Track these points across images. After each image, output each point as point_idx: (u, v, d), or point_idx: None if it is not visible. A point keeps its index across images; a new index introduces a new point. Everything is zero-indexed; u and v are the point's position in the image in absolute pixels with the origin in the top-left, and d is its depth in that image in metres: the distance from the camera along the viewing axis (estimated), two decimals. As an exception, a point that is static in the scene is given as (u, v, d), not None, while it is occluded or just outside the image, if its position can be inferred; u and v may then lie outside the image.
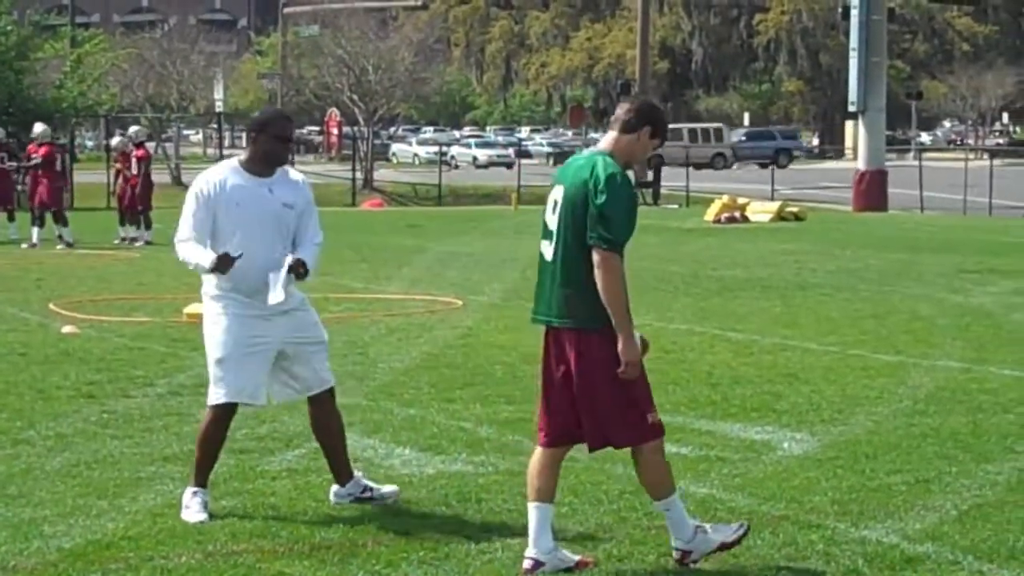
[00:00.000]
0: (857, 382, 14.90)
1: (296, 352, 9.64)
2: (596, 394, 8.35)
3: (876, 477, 10.54)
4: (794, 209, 47.85)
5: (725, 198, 48.52)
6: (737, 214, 45.94)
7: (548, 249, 8.58)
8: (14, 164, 35.81)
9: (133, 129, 38.22)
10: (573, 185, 8.41)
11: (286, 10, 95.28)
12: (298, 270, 9.39)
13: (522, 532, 9.03)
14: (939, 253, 31.30)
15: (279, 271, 9.33)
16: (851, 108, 58.05)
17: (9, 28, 53.60)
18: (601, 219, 8.28)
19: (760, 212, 46.69)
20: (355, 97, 68.12)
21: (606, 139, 8.66)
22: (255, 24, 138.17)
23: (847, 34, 58.77)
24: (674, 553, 8.46)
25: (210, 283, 9.59)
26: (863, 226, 44.21)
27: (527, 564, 8.32)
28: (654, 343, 17.31)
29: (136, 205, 34.13)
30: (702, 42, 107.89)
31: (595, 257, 8.31)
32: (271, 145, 9.63)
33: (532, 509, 8.43)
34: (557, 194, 8.52)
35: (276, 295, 9.31)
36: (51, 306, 20.82)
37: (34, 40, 56.43)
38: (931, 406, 13.53)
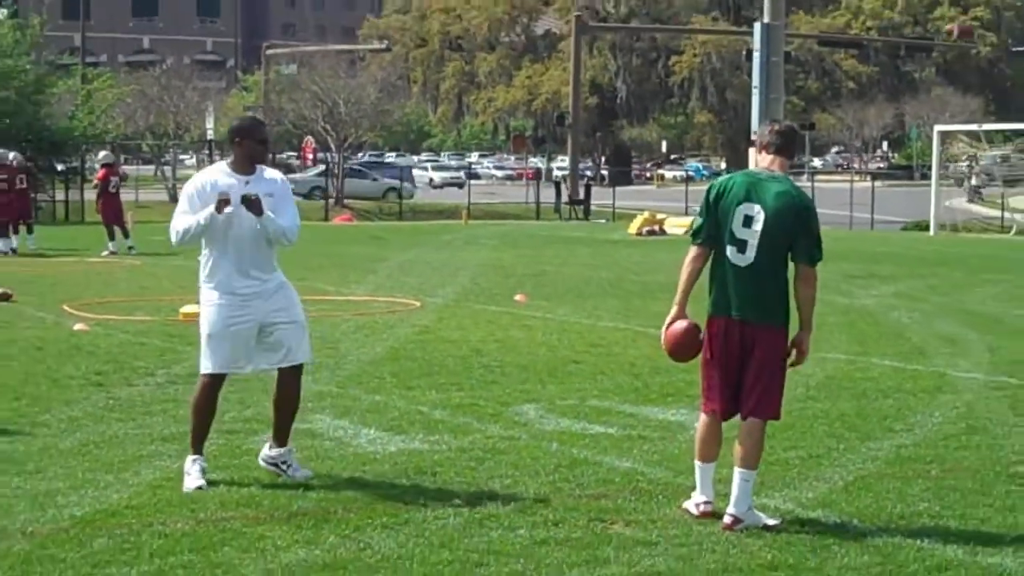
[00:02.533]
0: (758, 371, 14.95)
1: (273, 329, 9.67)
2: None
3: (775, 453, 10.56)
4: (705, 223, 47.91)
5: (646, 214, 48.71)
6: (656, 227, 46.14)
7: (740, 258, 8.65)
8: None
9: (102, 153, 38.06)
10: (776, 208, 8.54)
11: (268, 52, 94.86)
12: (249, 197, 9.45)
13: (471, 501, 9.04)
14: (828, 261, 31.37)
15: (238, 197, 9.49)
16: (753, 137, 58.21)
17: (28, 67, 53.37)
18: (817, 243, 8.66)
19: (676, 226, 46.80)
20: (328, 127, 68.01)
21: (775, 162, 8.84)
22: (241, 64, 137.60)
23: (750, 74, 58.79)
24: (726, 518, 8.49)
25: (206, 269, 9.66)
26: (764, 238, 44.32)
27: (727, 520, 8.48)
28: (585, 340, 17.45)
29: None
30: (626, 80, 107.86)
31: (804, 271, 8.65)
32: (253, 148, 9.75)
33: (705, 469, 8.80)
34: (751, 211, 8.60)
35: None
36: (64, 307, 20.74)
37: (50, 77, 56.14)
38: (821, 392, 13.60)
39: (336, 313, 20.44)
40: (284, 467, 9.79)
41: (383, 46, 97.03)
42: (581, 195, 64.06)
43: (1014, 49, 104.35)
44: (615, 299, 23.13)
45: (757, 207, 8.57)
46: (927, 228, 49.71)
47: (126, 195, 41.28)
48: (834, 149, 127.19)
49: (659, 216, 47.98)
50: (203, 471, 9.50)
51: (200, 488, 9.30)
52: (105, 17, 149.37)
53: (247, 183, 9.64)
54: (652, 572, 7.57)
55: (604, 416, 12.25)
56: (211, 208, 9.48)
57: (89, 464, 10.11)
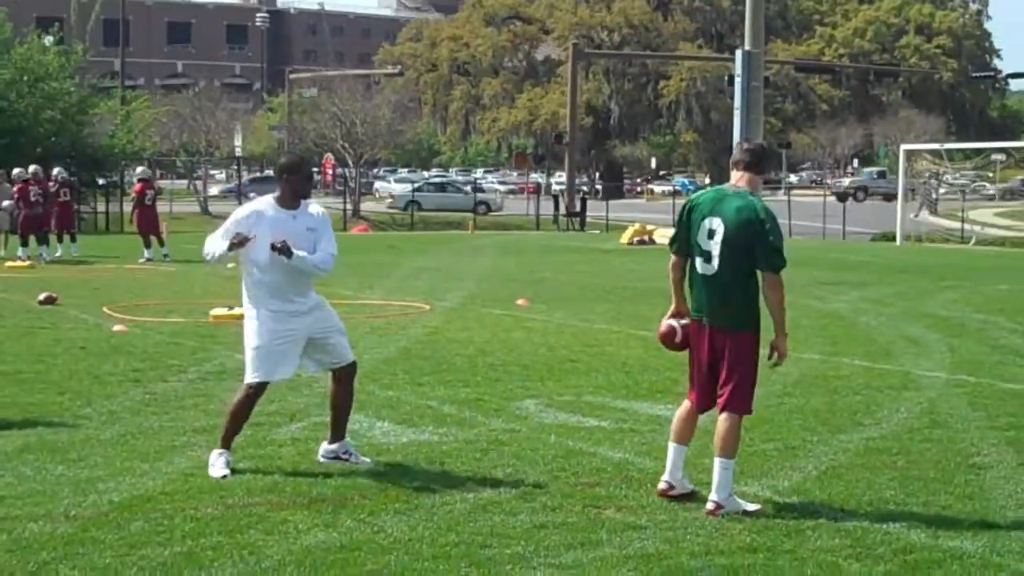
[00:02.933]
0: (739, 370, 14.94)
1: (321, 340, 9.70)
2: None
3: (754, 444, 10.57)
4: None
5: (637, 225, 48.70)
6: (646, 238, 46.10)
7: (707, 267, 8.69)
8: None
9: (139, 169, 37.99)
10: (736, 221, 8.56)
11: (291, 76, 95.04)
12: (275, 246, 9.37)
13: (476, 488, 9.04)
14: (803, 268, 31.43)
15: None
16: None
17: (72, 89, 53.39)
18: (775, 252, 8.53)
19: (664, 236, 46.71)
20: (345, 145, 68.06)
21: (743, 178, 8.89)
22: (267, 87, 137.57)
23: (732, 97, 58.84)
24: (708, 504, 8.51)
25: (250, 289, 9.64)
26: (744, 247, 44.31)
27: (710, 506, 8.50)
28: (580, 341, 17.44)
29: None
30: (619, 102, 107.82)
31: (769, 278, 8.58)
32: (299, 184, 9.70)
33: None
34: (713, 224, 8.64)
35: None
36: (104, 309, 20.74)
37: (92, 99, 56.14)
38: (797, 389, 13.59)
39: (353, 316, 20.43)
40: (346, 456, 9.81)
41: (397, 71, 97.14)
42: (577, 208, 64.05)
43: (973, 75, 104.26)
44: (608, 304, 23.12)
45: (718, 220, 8.63)
46: (894, 239, 49.68)
47: (161, 207, 41.27)
48: (808, 166, 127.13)
49: (649, 227, 47.95)
50: (227, 463, 9.49)
51: (224, 477, 9.29)
52: (143, 44, 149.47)
53: (293, 217, 9.60)
54: (642, 554, 7.57)
55: (598, 411, 12.25)
56: (227, 244, 9.44)
57: (127, 453, 10.11)
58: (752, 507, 8.54)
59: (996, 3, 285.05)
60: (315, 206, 9.98)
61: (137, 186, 35.15)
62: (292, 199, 9.68)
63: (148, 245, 33.76)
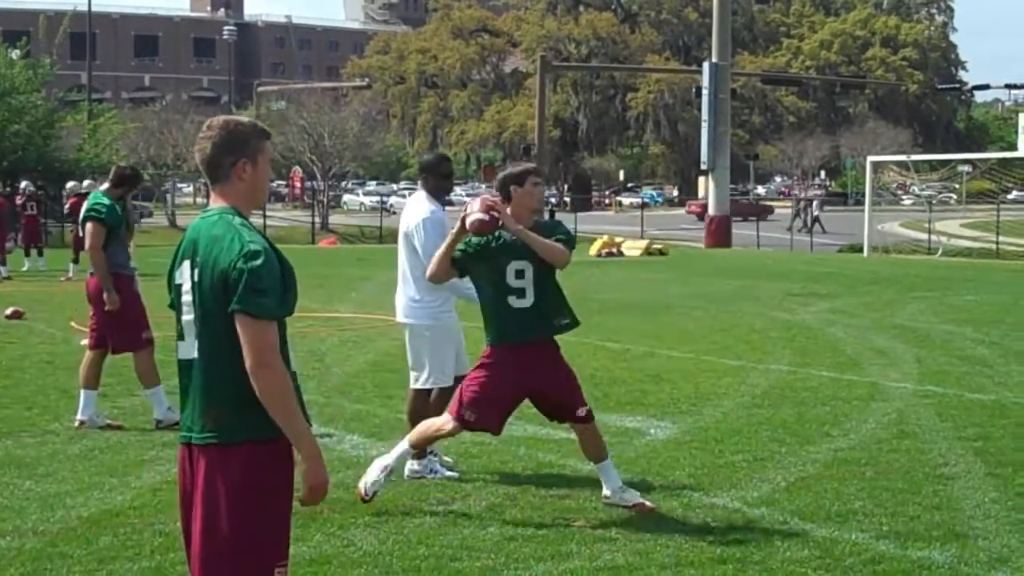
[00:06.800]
0: (708, 381, 14.99)
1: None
2: None
3: (723, 456, 10.59)
4: (659, 246, 48.09)
5: (605, 237, 48.75)
6: (615, 249, 46.16)
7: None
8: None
9: (23, 183, 37.47)
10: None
11: (259, 89, 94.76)
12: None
13: (445, 501, 9.04)
14: (772, 280, 31.52)
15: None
16: (703, 166, 58.41)
17: (39, 103, 53.22)
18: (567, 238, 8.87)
19: (632, 248, 46.93)
20: (313, 158, 68.02)
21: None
22: (235, 100, 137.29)
23: (700, 109, 59.15)
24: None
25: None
26: (713, 259, 44.47)
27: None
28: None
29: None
30: (587, 114, 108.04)
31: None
32: (439, 181, 9.94)
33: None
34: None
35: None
36: (72, 324, 20.65)
37: (58, 112, 55.97)
38: (766, 400, 13.63)
39: (322, 328, 20.41)
40: (431, 475, 9.80)
41: (365, 84, 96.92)
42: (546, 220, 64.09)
43: (939, 86, 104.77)
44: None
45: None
46: (861, 250, 49.89)
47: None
48: (776, 178, 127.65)
49: (617, 239, 48.02)
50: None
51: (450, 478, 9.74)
52: (110, 57, 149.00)
53: (444, 211, 9.85)
54: (612, 566, 7.58)
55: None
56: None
57: (95, 468, 10.08)
58: (643, 501, 8.84)
59: (961, 15, 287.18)
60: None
61: (71, 200, 33.95)
62: (436, 196, 9.94)
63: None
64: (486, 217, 8.36)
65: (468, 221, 8.37)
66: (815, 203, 70.17)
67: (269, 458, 4.77)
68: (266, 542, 4.79)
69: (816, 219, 66.05)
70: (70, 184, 36.22)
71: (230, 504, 4.72)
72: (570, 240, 8.69)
